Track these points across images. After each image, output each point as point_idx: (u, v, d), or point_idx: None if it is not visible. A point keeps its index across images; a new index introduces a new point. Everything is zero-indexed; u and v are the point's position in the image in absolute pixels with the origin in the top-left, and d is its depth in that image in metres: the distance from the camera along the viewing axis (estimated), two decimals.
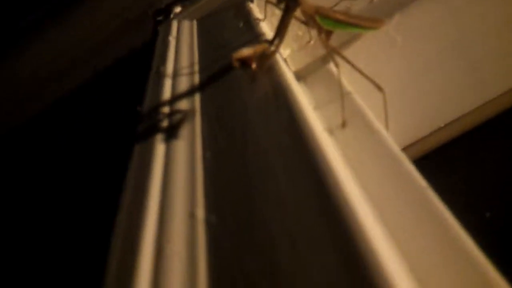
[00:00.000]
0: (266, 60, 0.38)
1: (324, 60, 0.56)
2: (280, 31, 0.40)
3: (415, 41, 0.58)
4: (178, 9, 0.74)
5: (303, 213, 0.27)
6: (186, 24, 0.67)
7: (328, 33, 0.48)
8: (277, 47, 0.39)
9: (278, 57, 0.41)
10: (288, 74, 0.39)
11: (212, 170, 0.32)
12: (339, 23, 0.47)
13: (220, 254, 0.25)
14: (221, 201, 0.29)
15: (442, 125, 0.63)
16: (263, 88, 0.36)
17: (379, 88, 0.46)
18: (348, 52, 0.57)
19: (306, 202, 0.28)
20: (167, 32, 0.66)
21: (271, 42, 0.39)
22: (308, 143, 0.29)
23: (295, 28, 0.62)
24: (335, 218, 0.25)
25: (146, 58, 0.65)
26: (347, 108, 0.46)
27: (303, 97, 0.39)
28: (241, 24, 0.55)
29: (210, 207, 0.29)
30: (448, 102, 0.63)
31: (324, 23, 0.46)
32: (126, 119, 0.48)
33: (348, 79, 0.51)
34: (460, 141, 0.65)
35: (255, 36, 0.49)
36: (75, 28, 0.96)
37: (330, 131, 0.44)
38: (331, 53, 0.46)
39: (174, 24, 0.69)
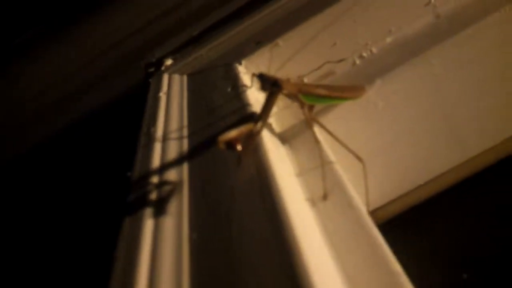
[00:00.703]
0: (251, 141, 0.40)
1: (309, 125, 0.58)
2: (265, 112, 0.42)
3: (396, 104, 0.61)
4: (169, 62, 0.77)
5: None
6: (176, 79, 0.70)
7: (311, 106, 0.51)
8: (261, 128, 0.41)
9: (264, 136, 0.43)
10: (272, 153, 0.41)
11: (198, 253, 0.34)
12: (321, 98, 0.50)
13: None
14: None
15: (422, 183, 0.66)
16: (248, 172, 0.38)
17: (359, 158, 0.49)
18: (330, 116, 0.60)
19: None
20: (158, 86, 0.68)
21: (255, 123, 0.41)
22: (288, 243, 0.31)
23: None
24: None
25: (134, 110, 0.66)
26: (330, 179, 0.48)
27: (288, 173, 0.41)
28: (229, 89, 0.57)
29: None
30: (427, 161, 0.66)
31: (306, 99, 0.49)
32: (115, 183, 0.50)
33: (331, 147, 0.53)
34: (439, 199, 0.67)
35: (241, 105, 0.51)
36: (53, 66, 0.94)
37: (313, 202, 0.46)
38: (313, 127, 0.48)
39: (165, 78, 0.71)
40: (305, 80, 0.66)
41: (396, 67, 0.60)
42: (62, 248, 0.72)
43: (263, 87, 0.43)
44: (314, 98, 0.50)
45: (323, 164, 0.46)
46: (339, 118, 0.62)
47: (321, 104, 0.54)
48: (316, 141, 0.47)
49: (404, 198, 0.68)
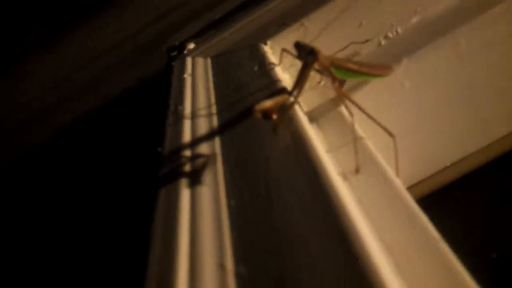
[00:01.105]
0: (286, 111, 0.40)
1: (336, 102, 0.58)
2: (299, 83, 0.42)
3: (422, 85, 0.60)
4: (191, 46, 0.77)
5: (329, 262, 0.29)
6: (200, 61, 0.70)
7: (342, 82, 0.50)
8: (296, 98, 0.41)
9: (297, 108, 0.43)
10: (307, 126, 0.41)
11: (238, 220, 0.34)
12: (351, 72, 0.50)
13: None
14: (249, 253, 0.30)
15: (448, 164, 0.65)
16: (284, 141, 0.38)
17: (390, 134, 0.48)
18: (358, 96, 0.59)
19: (331, 252, 0.29)
20: (182, 69, 0.68)
21: (290, 94, 0.41)
22: (329, 199, 0.31)
23: None
24: (357, 268, 0.27)
25: (159, 92, 0.67)
26: (361, 153, 0.47)
27: (321, 148, 0.41)
28: (256, 67, 0.57)
29: (239, 259, 0.30)
30: (453, 143, 0.66)
31: (338, 73, 0.48)
32: (145, 159, 0.50)
33: (360, 124, 0.53)
34: (465, 180, 0.67)
35: (270, 81, 0.51)
36: (82, 48, 0.96)
37: (344, 176, 0.46)
38: (345, 101, 0.48)
39: (189, 61, 0.71)
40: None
41: (423, 47, 0.59)
42: (98, 224, 0.72)
43: (299, 55, 0.43)
44: (345, 72, 0.50)
45: (355, 138, 0.46)
46: (368, 96, 0.61)
47: (351, 78, 0.54)
48: (350, 114, 0.47)
49: (431, 179, 0.68)
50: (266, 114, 0.39)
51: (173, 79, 0.66)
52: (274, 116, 0.39)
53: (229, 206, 0.36)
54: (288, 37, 0.64)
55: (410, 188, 0.68)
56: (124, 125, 0.75)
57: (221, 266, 0.30)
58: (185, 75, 0.65)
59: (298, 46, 0.43)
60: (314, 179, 0.32)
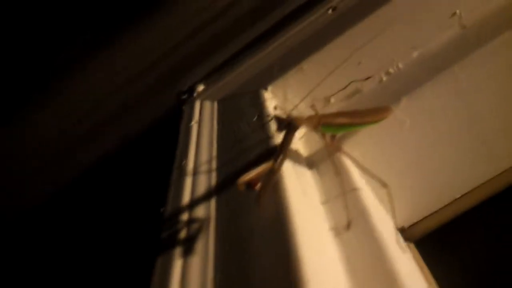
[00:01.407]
0: (270, 179, 0.42)
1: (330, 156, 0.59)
2: (282, 151, 0.43)
3: (423, 122, 0.60)
4: (201, 88, 0.80)
5: None
6: (207, 106, 0.72)
7: (333, 135, 0.51)
8: (279, 166, 0.43)
9: (283, 174, 0.44)
10: (291, 194, 0.42)
11: None
12: (342, 127, 0.50)
13: None
14: None
15: (452, 199, 0.65)
16: (267, 212, 0.40)
17: (384, 184, 0.49)
18: (357, 138, 0.60)
19: None
20: (191, 115, 0.71)
21: (274, 161, 0.43)
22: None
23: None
24: None
25: (170, 136, 0.69)
26: (354, 206, 0.49)
27: (305, 222, 0.42)
28: (255, 118, 0.59)
29: None
30: (460, 176, 0.65)
31: (327, 130, 0.49)
32: (150, 217, 0.53)
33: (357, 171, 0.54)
34: (474, 213, 0.66)
35: (266, 136, 0.53)
36: (88, 88, 0.97)
37: (337, 231, 0.47)
38: (333, 158, 0.49)
39: (197, 106, 0.74)
40: (332, 100, 0.67)
41: (422, 84, 0.59)
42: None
43: (279, 129, 0.45)
44: (335, 128, 0.51)
45: (345, 194, 0.47)
46: (367, 139, 0.62)
47: (343, 131, 0.55)
48: (337, 172, 0.48)
49: (439, 213, 0.67)
50: (250, 185, 0.41)
51: (181, 127, 0.69)
52: (258, 187, 0.41)
53: (215, 279, 0.38)
54: (288, 81, 0.65)
55: (417, 224, 0.68)
56: (129, 177, 0.78)
57: None
58: (192, 123, 0.68)
59: (277, 120, 0.45)
60: (286, 259, 0.34)
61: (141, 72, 0.85)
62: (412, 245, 0.68)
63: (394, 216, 0.51)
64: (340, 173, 0.48)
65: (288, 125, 0.45)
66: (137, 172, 0.62)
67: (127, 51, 0.84)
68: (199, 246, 0.43)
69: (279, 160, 0.43)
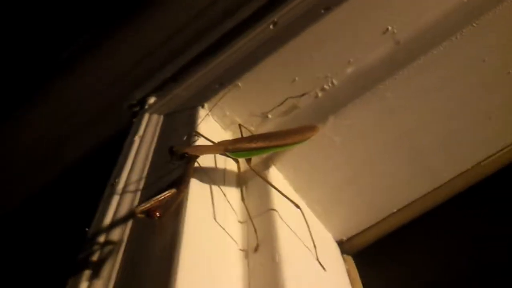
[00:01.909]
0: (171, 206, 0.43)
1: (263, 167, 0.60)
2: (183, 181, 0.45)
3: (354, 139, 0.62)
4: (152, 100, 0.81)
5: None
6: (154, 120, 0.74)
7: (248, 159, 0.52)
8: (180, 194, 0.44)
9: (187, 202, 0.45)
10: (187, 223, 0.43)
11: None
12: (256, 150, 0.51)
13: None
14: None
15: (389, 213, 0.66)
16: (164, 238, 0.42)
17: (296, 205, 0.50)
18: (289, 156, 0.61)
19: None
20: (136, 129, 0.73)
21: (176, 188, 0.44)
22: None
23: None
24: None
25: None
26: (266, 228, 0.50)
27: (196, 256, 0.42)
28: (185, 137, 0.60)
29: None
30: (397, 190, 0.66)
31: (238, 156, 0.50)
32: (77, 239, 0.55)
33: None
34: (411, 226, 0.67)
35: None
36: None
37: (246, 254, 0.48)
38: (241, 184, 0.50)
39: (145, 119, 0.75)
40: (270, 116, 0.67)
41: (350, 102, 0.60)
42: None
43: (172, 160, 0.46)
44: (247, 153, 0.51)
45: (251, 219, 0.48)
46: (300, 157, 0.63)
47: (258, 155, 0.56)
48: (242, 198, 0.49)
49: (377, 227, 0.68)
50: (150, 213, 0.42)
51: (126, 141, 0.71)
52: (157, 215, 0.42)
53: None
54: (225, 98, 0.66)
55: (355, 236, 0.69)
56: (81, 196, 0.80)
57: None
58: (136, 137, 0.70)
59: (170, 152, 0.46)
60: None
61: (99, 86, 0.87)
62: (349, 258, 0.69)
63: (311, 236, 0.51)
64: (244, 199, 0.49)
65: (181, 158, 0.46)
66: (89, 189, 0.64)
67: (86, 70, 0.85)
68: (105, 269, 0.44)
69: (181, 188, 0.44)
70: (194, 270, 0.39)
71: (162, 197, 0.43)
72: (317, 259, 0.52)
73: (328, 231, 0.68)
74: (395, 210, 0.67)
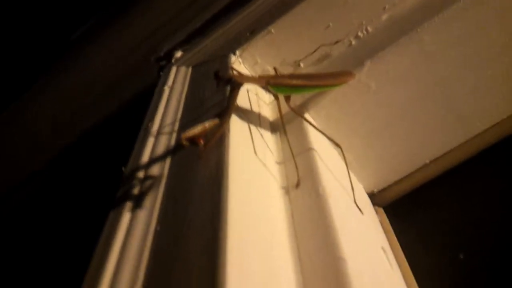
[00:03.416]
0: (215, 135, 0.43)
1: (300, 111, 0.60)
2: (227, 109, 0.44)
3: (389, 85, 0.60)
4: (179, 54, 0.80)
5: None
6: (182, 71, 0.73)
7: (286, 97, 0.52)
8: (224, 123, 0.43)
9: (230, 132, 0.45)
10: (233, 151, 0.43)
11: (157, 244, 0.38)
12: (296, 88, 0.51)
13: None
14: (156, 276, 0.34)
15: (427, 162, 0.65)
16: (208, 169, 0.41)
17: (337, 144, 0.50)
18: (325, 101, 0.60)
19: None
20: (165, 80, 0.72)
21: (219, 118, 0.44)
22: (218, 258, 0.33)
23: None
24: None
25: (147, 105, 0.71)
26: (306, 167, 0.49)
27: (241, 183, 0.42)
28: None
29: (149, 277, 0.35)
30: (430, 140, 0.65)
31: (279, 91, 0.50)
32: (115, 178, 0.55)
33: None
34: (441, 180, 0.66)
35: (222, 99, 0.54)
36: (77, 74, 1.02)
37: (286, 190, 0.48)
38: (282, 119, 0.50)
39: (173, 71, 0.75)
40: (302, 64, 0.67)
41: (387, 47, 0.59)
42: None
43: (217, 85, 0.45)
44: (287, 89, 0.51)
45: (293, 154, 0.48)
46: (333, 103, 0.62)
47: (298, 93, 0.55)
48: (284, 133, 0.49)
49: (408, 179, 0.68)
50: (194, 140, 0.42)
51: (155, 91, 0.70)
52: (201, 142, 0.42)
53: (156, 231, 0.40)
54: (257, 45, 0.65)
55: (387, 188, 0.68)
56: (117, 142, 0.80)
57: (133, 282, 0.35)
58: (165, 87, 0.69)
59: (216, 77, 0.45)
60: (215, 218, 0.35)
61: (129, 48, 0.87)
62: (380, 210, 0.69)
63: (349, 175, 0.51)
64: (286, 133, 0.49)
65: (228, 83, 0.45)
66: (124, 138, 0.64)
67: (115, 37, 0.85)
68: (147, 202, 0.44)
69: (224, 117, 0.44)
70: (241, 196, 0.38)
71: (207, 125, 0.43)
72: (355, 202, 0.52)
73: (359, 182, 0.67)
74: (427, 161, 0.66)
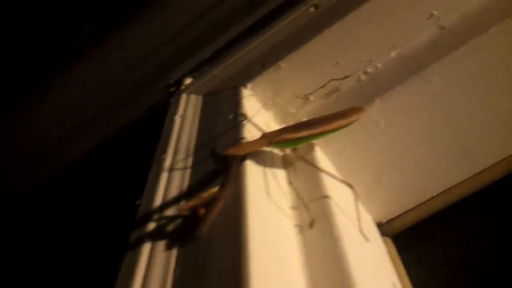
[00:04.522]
0: (214, 206, 0.42)
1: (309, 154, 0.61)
2: (227, 179, 0.44)
3: (398, 122, 0.62)
4: (188, 81, 0.81)
5: None
6: (192, 100, 0.74)
7: (294, 148, 0.52)
8: (224, 195, 0.43)
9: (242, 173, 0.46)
10: (250, 196, 0.44)
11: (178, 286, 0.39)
12: (301, 140, 0.51)
13: None
14: None
15: (429, 197, 0.66)
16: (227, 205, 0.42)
17: (349, 185, 0.51)
18: (334, 136, 0.61)
19: None
20: (175, 108, 0.73)
21: (220, 187, 0.44)
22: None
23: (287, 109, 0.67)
24: None
25: (154, 129, 0.71)
26: (320, 209, 0.50)
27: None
28: (231, 115, 0.61)
29: None
30: (438, 175, 0.66)
31: (284, 146, 0.50)
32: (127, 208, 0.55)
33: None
34: (451, 211, 0.67)
35: (234, 138, 0.54)
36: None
37: (301, 229, 0.49)
38: (288, 169, 0.50)
39: (183, 99, 0.76)
40: (311, 98, 0.68)
41: (396, 86, 0.60)
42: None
43: (215, 164, 0.46)
44: (293, 143, 0.51)
45: (300, 197, 0.49)
46: (344, 138, 0.64)
47: (305, 142, 0.55)
48: (290, 182, 0.49)
49: (416, 210, 0.69)
50: (194, 211, 0.43)
51: (166, 120, 0.71)
52: (201, 211, 0.43)
53: (175, 273, 0.41)
54: (268, 78, 0.66)
55: (396, 219, 0.70)
56: (120, 168, 0.81)
57: None
58: (176, 117, 0.70)
59: (213, 155, 0.46)
60: (238, 258, 0.36)
61: (132, 65, 0.87)
62: (388, 240, 0.70)
63: (359, 214, 0.52)
64: (291, 183, 0.49)
65: (225, 160, 0.45)
66: (127, 164, 0.65)
67: (117, 47, 0.86)
68: (165, 242, 0.45)
69: (223, 189, 0.44)
70: (260, 237, 0.39)
71: (206, 195, 0.44)
72: (361, 232, 0.53)
73: (368, 213, 0.69)
74: (435, 194, 0.68)
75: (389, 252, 0.65)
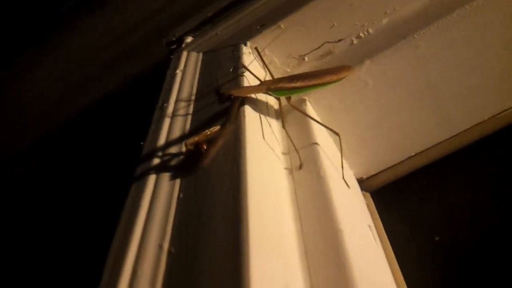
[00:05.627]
0: (217, 143, 0.46)
1: (301, 105, 0.66)
2: (228, 119, 0.48)
3: (385, 84, 0.67)
4: (189, 39, 0.85)
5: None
6: (193, 57, 0.78)
7: (288, 97, 0.57)
8: (225, 132, 0.47)
9: (242, 117, 0.51)
10: (248, 138, 0.48)
11: (181, 210, 0.44)
12: (295, 90, 0.56)
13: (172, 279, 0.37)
14: (180, 237, 0.40)
15: (408, 156, 0.72)
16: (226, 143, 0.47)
17: (336, 133, 0.56)
18: (324, 92, 0.66)
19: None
20: (176, 64, 0.77)
21: (222, 125, 0.48)
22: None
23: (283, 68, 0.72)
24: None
25: (156, 84, 0.75)
26: (309, 153, 0.55)
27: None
28: (231, 69, 0.65)
29: (173, 241, 0.41)
30: (417, 135, 0.72)
31: (280, 94, 0.55)
32: (131, 150, 0.60)
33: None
34: (427, 170, 0.73)
35: (236, 86, 0.59)
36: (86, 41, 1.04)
37: (290, 171, 0.54)
38: (283, 116, 0.55)
39: (184, 56, 0.79)
40: (306, 58, 0.72)
41: (385, 49, 0.65)
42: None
43: (219, 101, 0.50)
44: (288, 92, 0.56)
45: (292, 141, 0.54)
46: (332, 95, 0.68)
47: (300, 94, 0.60)
48: (283, 126, 0.54)
49: (395, 168, 0.75)
50: (197, 146, 0.47)
51: (167, 74, 0.75)
52: (204, 147, 0.47)
53: (179, 198, 0.46)
54: (266, 38, 0.70)
55: (375, 176, 0.76)
56: (124, 119, 0.85)
57: (160, 246, 0.41)
58: (177, 71, 0.74)
59: (217, 94, 0.50)
60: (236, 188, 0.41)
61: (136, 24, 0.90)
62: (368, 195, 0.76)
63: (342, 160, 0.57)
64: (285, 126, 0.54)
65: (226, 99, 0.50)
66: (131, 114, 0.69)
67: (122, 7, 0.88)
68: (170, 173, 0.50)
69: (225, 127, 0.48)
70: (256, 169, 0.44)
71: (209, 132, 0.48)
72: (343, 178, 0.58)
73: (350, 169, 0.74)
74: (413, 154, 0.73)
75: (368, 205, 0.71)
